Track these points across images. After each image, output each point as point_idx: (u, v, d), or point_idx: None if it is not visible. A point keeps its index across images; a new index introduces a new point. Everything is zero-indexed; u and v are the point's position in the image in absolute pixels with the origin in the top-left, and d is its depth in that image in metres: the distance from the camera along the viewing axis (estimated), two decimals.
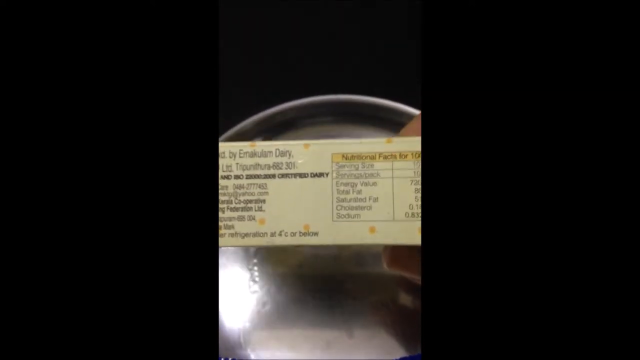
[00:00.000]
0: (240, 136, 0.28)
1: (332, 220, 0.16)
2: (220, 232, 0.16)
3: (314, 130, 0.29)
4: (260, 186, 0.16)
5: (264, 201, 0.16)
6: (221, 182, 0.16)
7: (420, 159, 0.15)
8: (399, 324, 0.25)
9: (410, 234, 0.15)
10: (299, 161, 0.16)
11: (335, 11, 0.33)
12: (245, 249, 0.27)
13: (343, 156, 0.16)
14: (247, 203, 0.16)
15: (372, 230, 0.15)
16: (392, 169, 0.15)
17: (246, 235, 0.16)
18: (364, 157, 0.16)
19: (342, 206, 0.16)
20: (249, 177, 0.16)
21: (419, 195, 0.15)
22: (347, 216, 0.16)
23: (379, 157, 0.16)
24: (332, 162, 0.16)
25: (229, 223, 0.16)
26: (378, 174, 0.16)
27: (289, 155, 0.16)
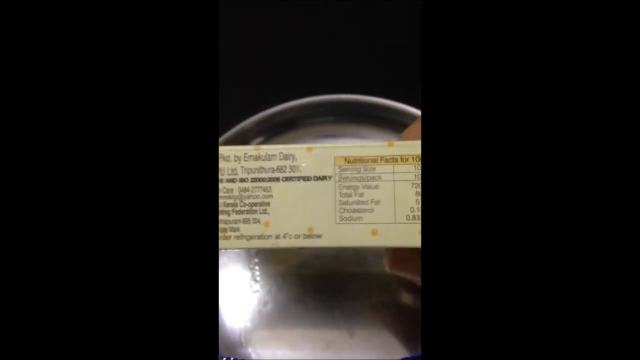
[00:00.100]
0: (240, 136, 0.27)
1: (335, 223, 0.16)
2: (226, 234, 0.16)
3: (314, 130, 0.29)
4: (264, 189, 0.16)
5: (268, 204, 0.16)
6: (227, 185, 0.16)
7: (420, 162, 0.16)
8: (399, 324, 0.25)
9: (412, 236, 0.15)
10: (303, 164, 0.16)
11: (335, 11, 0.33)
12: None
13: (345, 159, 0.16)
14: (252, 206, 0.16)
15: (374, 232, 0.16)
16: (394, 172, 0.16)
17: (251, 237, 0.16)
18: (366, 161, 0.16)
19: (344, 209, 0.16)
20: (253, 180, 0.16)
21: (420, 198, 0.15)
22: (349, 219, 0.16)
23: (381, 160, 0.16)
24: (334, 165, 0.16)
25: (235, 226, 0.16)
26: (380, 177, 0.16)
27: (293, 158, 0.16)
